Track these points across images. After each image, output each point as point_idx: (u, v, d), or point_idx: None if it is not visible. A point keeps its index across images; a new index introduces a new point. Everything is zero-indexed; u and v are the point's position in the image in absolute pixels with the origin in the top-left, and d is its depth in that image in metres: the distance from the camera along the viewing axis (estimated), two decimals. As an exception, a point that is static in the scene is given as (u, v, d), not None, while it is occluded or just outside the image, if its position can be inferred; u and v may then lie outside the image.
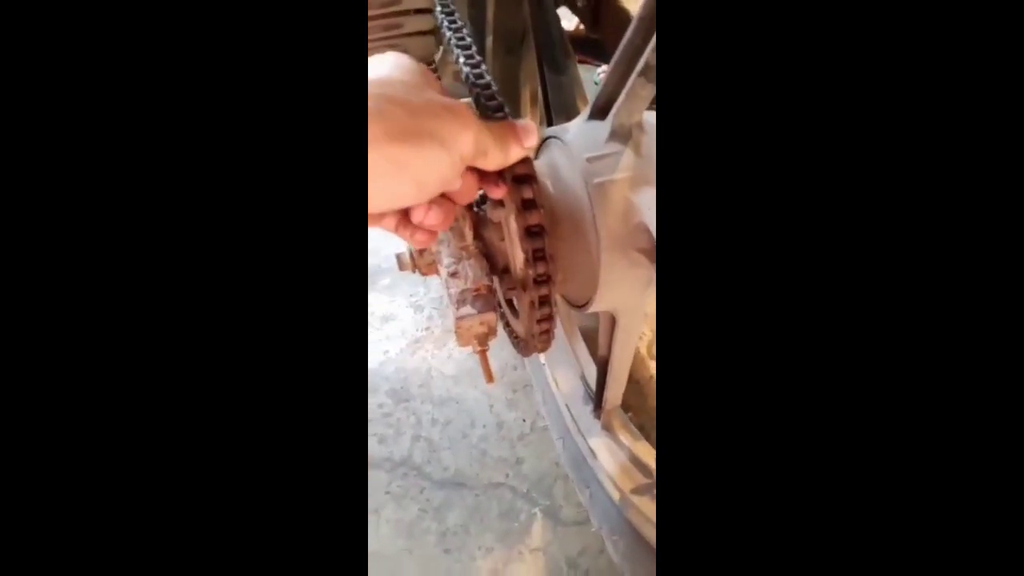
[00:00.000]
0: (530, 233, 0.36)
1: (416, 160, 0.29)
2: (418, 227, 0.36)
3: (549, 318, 0.39)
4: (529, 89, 0.68)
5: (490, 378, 0.43)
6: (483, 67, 0.43)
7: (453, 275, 0.41)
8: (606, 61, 0.74)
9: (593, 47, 0.71)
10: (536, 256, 0.36)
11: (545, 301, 0.38)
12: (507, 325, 0.51)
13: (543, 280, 0.37)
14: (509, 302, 0.50)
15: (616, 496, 0.60)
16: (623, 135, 0.39)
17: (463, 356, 1.04)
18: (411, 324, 1.12)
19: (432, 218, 0.36)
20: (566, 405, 0.73)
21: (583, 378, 0.75)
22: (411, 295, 1.18)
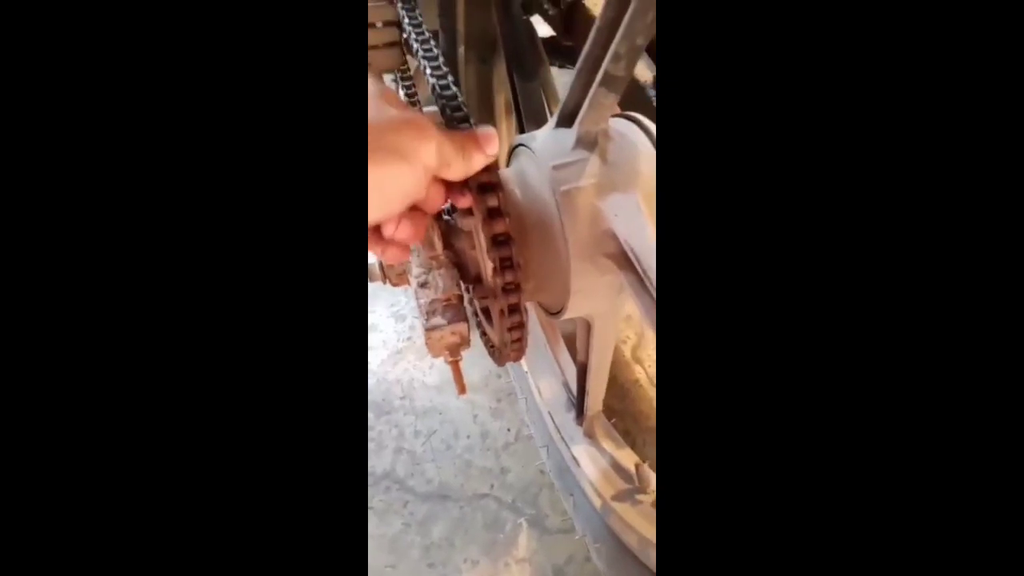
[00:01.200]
0: (497, 242, 0.35)
1: (379, 177, 0.29)
2: (389, 242, 0.36)
3: (520, 326, 0.39)
4: (504, 97, 0.69)
5: (462, 389, 0.43)
6: (449, 78, 0.42)
7: (423, 285, 0.41)
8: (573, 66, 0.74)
9: (567, 54, 0.71)
10: (504, 264, 0.36)
11: (515, 309, 0.38)
12: (484, 334, 0.51)
13: (512, 288, 0.37)
14: (485, 311, 0.50)
15: (598, 503, 0.59)
16: (589, 142, 0.39)
17: (445, 365, 1.03)
18: (392, 334, 1.11)
19: (403, 232, 0.35)
20: (549, 413, 0.73)
21: (565, 385, 0.75)
22: (392, 305, 1.17)
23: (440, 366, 1.03)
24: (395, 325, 1.13)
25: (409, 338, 1.10)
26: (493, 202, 0.35)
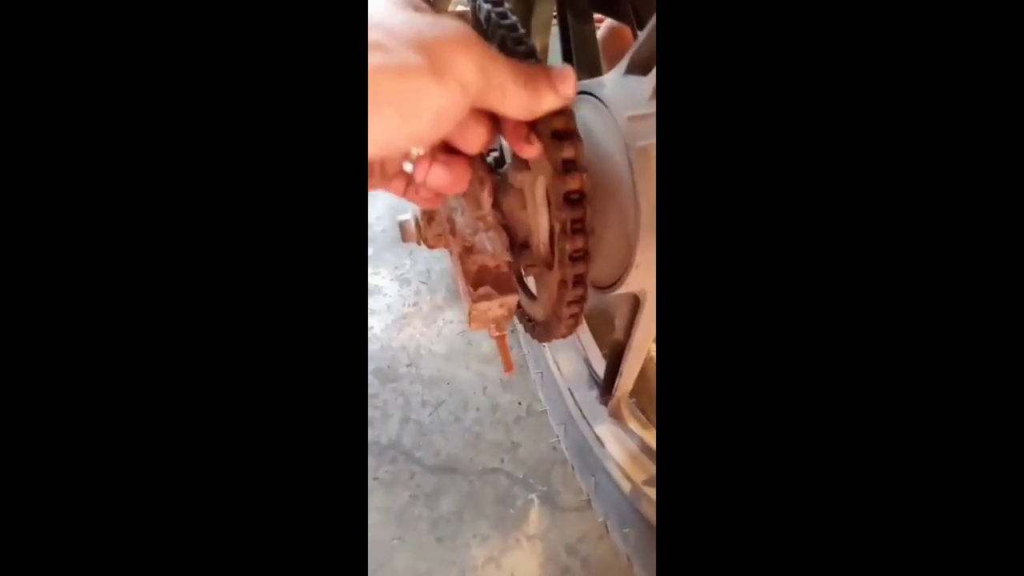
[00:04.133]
0: (569, 200, 0.30)
1: (399, 91, 0.23)
2: (420, 185, 0.30)
3: (581, 300, 0.34)
4: (540, 44, 0.62)
5: (510, 367, 0.38)
6: (506, 5, 0.36)
7: (468, 250, 0.36)
8: (619, 16, 0.67)
9: (607, 1, 0.64)
10: (575, 228, 0.31)
11: (580, 280, 0.33)
12: (518, 308, 0.46)
13: (580, 256, 0.32)
14: (520, 280, 0.45)
15: (627, 487, 0.57)
16: (669, 92, 0.34)
17: (454, 334, 0.99)
18: (397, 299, 1.06)
19: (436, 178, 0.29)
20: (569, 390, 0.70)
21: (587, 361, 0.71)
22: (396, 267, 1.12)
23: (448, 334, 0.99)
24: (400, 289, 1.08)
25: (415, 303, 1.05)
26: (569, 153, 0.29)
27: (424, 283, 1.09)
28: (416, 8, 0.26)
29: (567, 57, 0.48)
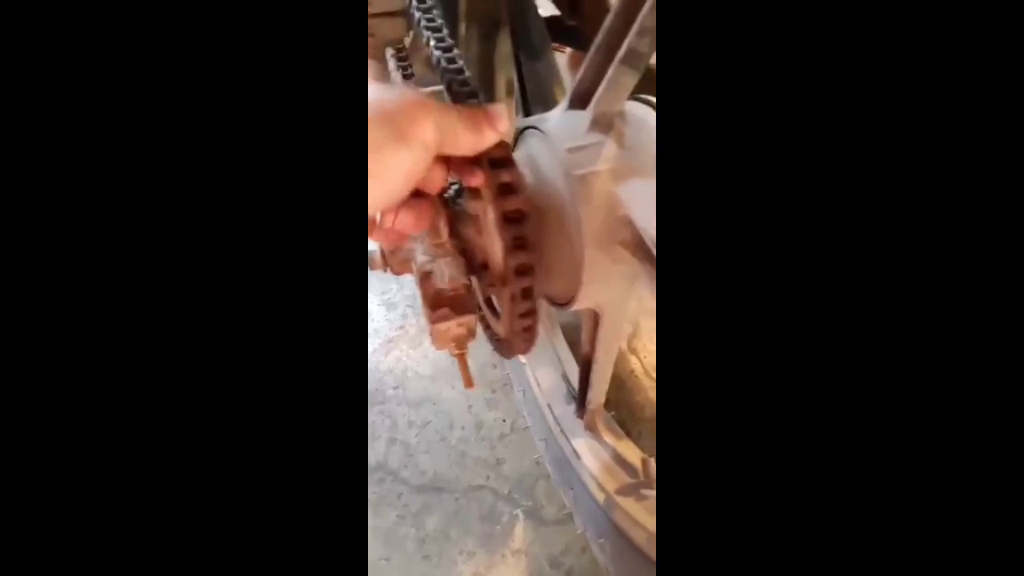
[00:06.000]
0: (510, 219, 0.33)
1: (376, 164, 0.27)
2: (389, 230, 0.34)
3: (532, 313, 0.37)
4: (504, 77, 0.66)
5: (469, 383, 0.41)
6: (455, 51, 0.40)
7: (427, 275, 0.39)
8: (584, 49, 0.72)
9: (570, 34, 0.69)
10: (517, 244, 0.34)
11: (528, 294, 0.36)
12: (487, 327, 0.49)
13: (525, 270, 0.35)
14: (488, 302, 0.48)
15: (601, 497, 0.58)
16: (604, 125, 0.37)
17: (440, 356, 1.02)
18: (384, 323, 1.09)
19: (403, 221, 0.33)
20: (548, 405, 0.72)
21: (565, 377, 0.73)
22: (383, 292, 1.14)
23: (434, 356, 1.01)
24: (387, 313, 1.10)
25: (401, 327, 1.07)
26: (506, 178, 0.33)
27: (411, 307, 1.11)
28: (377, 79, 0.30)
29: (522, 92, 0.52)
